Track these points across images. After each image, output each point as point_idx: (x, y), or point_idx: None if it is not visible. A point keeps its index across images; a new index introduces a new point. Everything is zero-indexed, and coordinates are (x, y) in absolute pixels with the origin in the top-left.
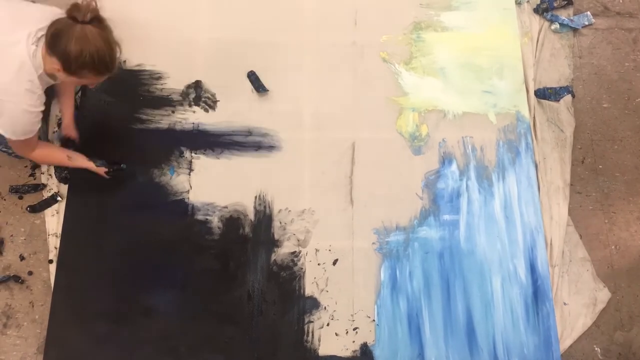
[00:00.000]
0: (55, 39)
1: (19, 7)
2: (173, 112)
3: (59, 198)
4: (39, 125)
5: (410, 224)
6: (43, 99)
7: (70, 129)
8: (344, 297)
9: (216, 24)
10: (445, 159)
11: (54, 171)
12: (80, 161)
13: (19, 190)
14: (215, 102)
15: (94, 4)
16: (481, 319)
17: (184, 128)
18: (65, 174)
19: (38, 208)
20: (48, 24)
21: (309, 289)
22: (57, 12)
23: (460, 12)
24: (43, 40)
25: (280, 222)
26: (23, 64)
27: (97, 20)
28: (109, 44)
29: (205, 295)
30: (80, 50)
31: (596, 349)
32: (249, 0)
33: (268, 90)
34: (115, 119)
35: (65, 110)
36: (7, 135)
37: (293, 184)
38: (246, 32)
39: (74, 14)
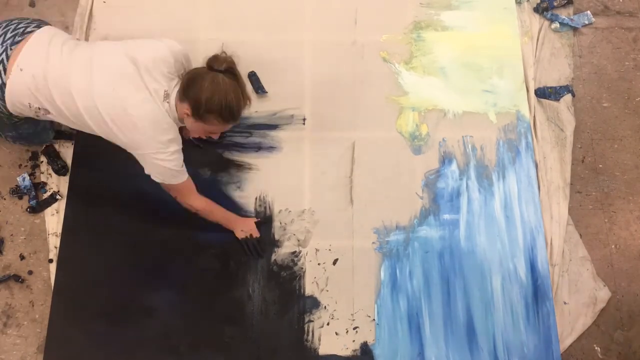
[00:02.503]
0: (189, 85)
1: (137, 54)
2: None
3: (58, 197)
4: (184, 169)
5: (410, 223)
6: (179, 140)
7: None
8: (344, 296)
9: (216, 24)
10: (445, 159)
11: (50, 163)
12: (238, 223)
13: (19, 192)
14: None
15: (231, 58)
16: (481, 318)
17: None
18: (61, 165)
19: (38, 208)
20: (170, 72)
21: (309, 289)
22: (169, 46)
23: (460, 11)
24: (174, 93)
25: (281, 223)
26: (157, 118)
27: (231, 72)
28: (238, 94)
29: (206, 295)
30: (211, 94)
31: (596, 348)
32: (249, 0)
33: (267, 92)
34: None
35: None
36: (164, 181)
37: (293, 184)
38: (246, 32)
39: (211, 64)
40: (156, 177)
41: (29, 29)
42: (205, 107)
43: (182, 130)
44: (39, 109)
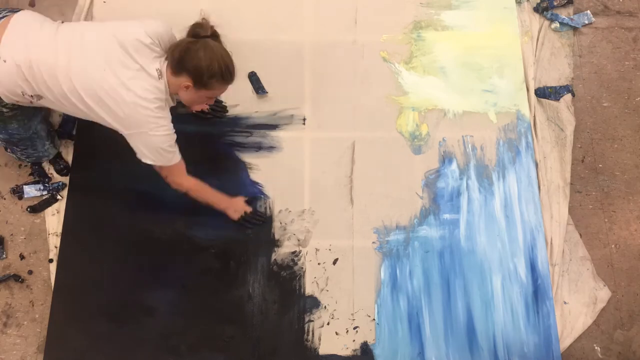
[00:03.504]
0: (184, 57)
1: (123, 34)
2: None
3: (59, 197)
4: (177, 149)
5: (411, 223)
6: (170, 119)
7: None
8: (344, 296)
9: (216, 24)
10: (446, 158)
11: (52, 163)
12: (227, 203)
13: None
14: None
15: (210, 21)
16: (481, 318)
17: (185, 129)
18: (63, 165)
19: (38, 208)
20: (159, 47)
21: (309, 289)
22: (156, 25)
23: (460, 11)
24: (163, 65)
25: (281, 222)
26: (148, 96)
27: (216, 35)
28: (229, 55)
29: (206, 295)
30: (210, 61)
31: (596, 347)
32: (249, 0)
33: (267, 93)
34: None
35: None
36: (157, 163)
37: (293, 184)
38: (246, 32)
39: (196, 31)
40: (149, 159)
41: (0, 15)
42: (207, 74)
43: (175, 108)
44: (32, 96)
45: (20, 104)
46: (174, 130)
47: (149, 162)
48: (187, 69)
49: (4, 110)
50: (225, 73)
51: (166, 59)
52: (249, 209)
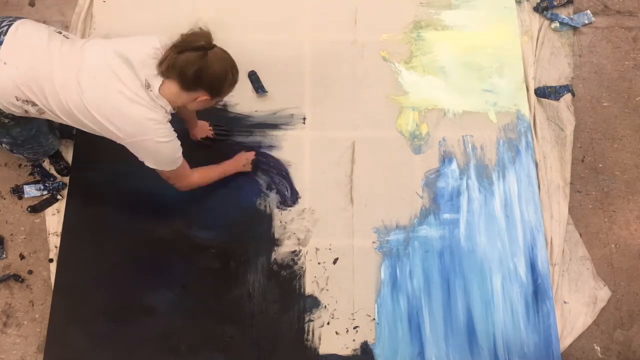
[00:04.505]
0: (199, 76)
1: (128, 50)
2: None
3: (59, 197)
4: (181, 152)
5: (411, 222)
6: (172, 129)
7: (201, 129)
8: (344, 296)
9: (216, 24)
10: (446, 158)
11: (53, 163)
12: (234, 166)
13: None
14: None
15: (206, 29)
16: (481, 317)
17: (185, 128)
18: (63, 165)
19: (38, 208)
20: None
21: (309, 288)
22: (159, 39)
23: (460, 10)
24: (157, 80)
25: (281, 222)
26: (152, 107)
27: (212, 41)
28: (232, 58)
29: (206, 295)
30: (225, 72)
31: (596, 347)
32: (249, 0)
33: (267, 92)
34: None
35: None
36: (162, 168)
37: (293, 183)
38: (246, 32)
39: (200, 44)
40: (155, 165)
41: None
42: (225, 85)
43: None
44: (26, 101)
45: (14, 112)
46: (177, 139)
47: (153, 166)
48: (204, 85)
49: (6, 120)
50: (235, 77)
51: (162, 74)
52: (252, 156)
